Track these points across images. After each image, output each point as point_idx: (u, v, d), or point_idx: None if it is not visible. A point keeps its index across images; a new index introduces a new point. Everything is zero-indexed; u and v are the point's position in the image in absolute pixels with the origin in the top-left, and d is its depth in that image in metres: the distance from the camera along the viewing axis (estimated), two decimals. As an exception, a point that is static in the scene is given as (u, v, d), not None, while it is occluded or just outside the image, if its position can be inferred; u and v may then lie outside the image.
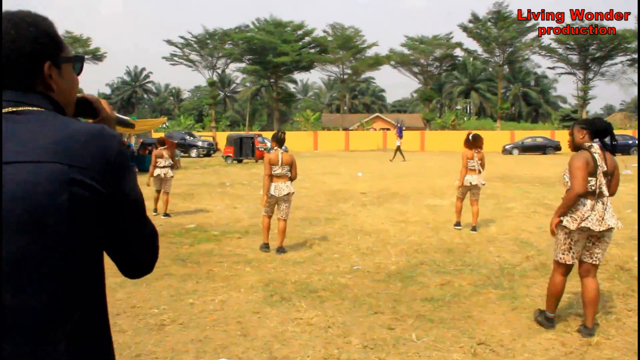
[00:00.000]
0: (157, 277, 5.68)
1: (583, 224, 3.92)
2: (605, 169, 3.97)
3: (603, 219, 3.92)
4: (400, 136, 29.39)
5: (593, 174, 3.95)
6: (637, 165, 17.80)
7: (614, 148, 4.07)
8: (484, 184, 8.41)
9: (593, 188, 3.97)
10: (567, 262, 4.08)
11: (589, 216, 3.92)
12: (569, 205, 3.97)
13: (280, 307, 4.81)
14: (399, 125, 31.68)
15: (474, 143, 8.31)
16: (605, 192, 4.00)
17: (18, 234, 0.99)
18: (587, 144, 4.02)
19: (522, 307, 4.77)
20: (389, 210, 10.72)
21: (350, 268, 6.17)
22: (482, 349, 3.87)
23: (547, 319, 4.24)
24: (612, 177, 4.04)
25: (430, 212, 10.41)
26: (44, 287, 1.02)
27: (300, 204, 11.12)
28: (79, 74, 1.27)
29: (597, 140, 4.10)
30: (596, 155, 3.95)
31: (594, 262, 4.08)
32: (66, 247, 1.05)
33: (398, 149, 28.64)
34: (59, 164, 1.02)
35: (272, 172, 6.77)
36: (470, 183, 8.21)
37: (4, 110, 1.08)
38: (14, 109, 1.09)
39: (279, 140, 6.86)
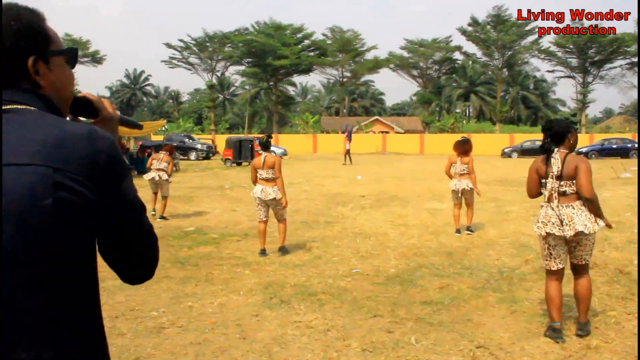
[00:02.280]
0: (156, 280, 5.67)
1: (545, 230, 3.98)
2: (557, 173, 3.97)
3: (563, 223, 3.92)
4: (350, 140, 29.61)
5: (548, 177, 4.01)
6: (636, 168, 17.82)
7: (541, 148, 4.09)
8: (469, 189, 8.30)
9: (551, 192, 4.01)
10: (552, 268, 4.08)
11: (549, 221, 3.97)
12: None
13: (279, 310, 4.81)
14: (348, 129, 31.95)
15: (456, 147, 8.38)
16: (568, 194, 3.98)
17: (5, 241, 0.96)
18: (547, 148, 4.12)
19: (521, 310, 4.76)
20: (389, 213, 10.72)
21: (349, 271, 6.16)
22: (482, 352, 3.87)
23: (554, 331, 4.08)
24: (573, 179, 3.96)
25: (429, 215, 10.41)
26: (31, 292, 0.99)
27: (299, 206, 11.13)
28: (72, 67, 1.21)
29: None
30: (552, 160, 4.01)
31: (579, 263, 4.09)
32: (53, 252, 1.00)
33: (347, 152, 28.86)
34: (44, 166, 0.98)
35: (259, 176, 6.87)
36: (456, 188, 8.29)
37: None
38: (4, 107, 1.04)
39: (262, 145, 7.03)
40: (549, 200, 4.05)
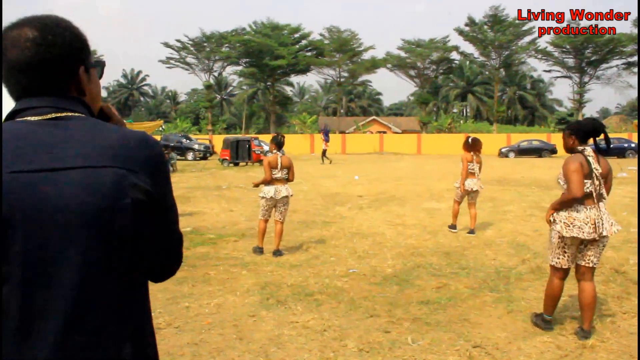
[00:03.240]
0: (153, 280, 5.65)
1: (574, 233, 3.91)
2: (600, 171, 3.96)
3: (596, 225, 3.89)
4: (327, 140, 29.62)
5: (588, 176, 3.92)
6: (636, 167, 17.86)
7: (607, 148, 4.04)
8: (482, 188, 8.42)
9: (589, 191, 3.95)
10: (563, 267, 4.08)
11: (581, 224, 3.90)
12: (565, 206, 3.99)
13: (276, 310, 4.81)
14: (325, 129, 31.97)
15: (472, 146, 8.31)
16: (604, 195, 3.99)
17: (85, 239, 1.00)
18: (580, 148, 4.03)
19: (517, 310, 4.77)
20: (386, 213, 10.73)
21: (346, 271, 6.16)
22: (478, 352, 3.88)
23: (544, 321, 4.22)
24: (606, 180, 4.02)
25: (427, 215, 10.42)
26: (112, 290, 1.04)
27: (297, 206, 11.12)
28: (100, 78, 1.27)
29: (591, 143, 4.11)
30: (590, 158, 3.95)
31: (587, 265, 4.07)
32: (130, 250, 1.07)
33: (324, 152, 28.91)
34: (118, 168, 1.03)
35: (272, 176, 6.79)
36: (472, 188, 8.20)
37: (47, 117, 1.08)
38: (58, 115, 1.09)
39: (278, 144, 6.91)
40: (587, 200, 3.95)
